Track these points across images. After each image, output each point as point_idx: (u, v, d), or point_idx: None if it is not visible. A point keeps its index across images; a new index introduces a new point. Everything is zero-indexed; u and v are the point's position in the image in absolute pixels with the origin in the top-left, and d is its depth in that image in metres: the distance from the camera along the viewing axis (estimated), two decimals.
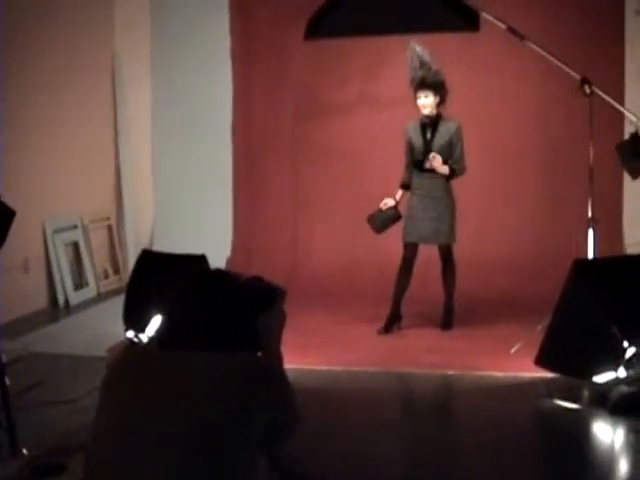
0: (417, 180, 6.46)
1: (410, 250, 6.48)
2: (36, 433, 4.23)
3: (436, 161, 6.30)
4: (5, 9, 6.85)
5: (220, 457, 2.19)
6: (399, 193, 6.54)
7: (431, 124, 6.37)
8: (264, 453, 2.28)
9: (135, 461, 2.19)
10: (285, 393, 2.35)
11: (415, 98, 6.34)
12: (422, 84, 6.26)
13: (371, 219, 6.52)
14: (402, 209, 6.50)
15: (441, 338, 6.37)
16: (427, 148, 6.35)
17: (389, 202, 6.47)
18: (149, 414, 2.22)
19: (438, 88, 6.29)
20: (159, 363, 2.32)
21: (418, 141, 6.40)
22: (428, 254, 6.59)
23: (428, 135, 6.37)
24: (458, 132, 6.38)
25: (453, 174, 6.40)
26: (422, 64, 6.29)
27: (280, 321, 2.55)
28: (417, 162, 6.43)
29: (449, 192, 6.45)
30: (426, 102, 6.30)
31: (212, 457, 2.18)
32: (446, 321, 6.58)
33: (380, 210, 6.48)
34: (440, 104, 6.36)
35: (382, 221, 6.48)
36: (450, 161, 6.36)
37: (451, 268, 6.55)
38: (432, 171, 6.35)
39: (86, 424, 2.41)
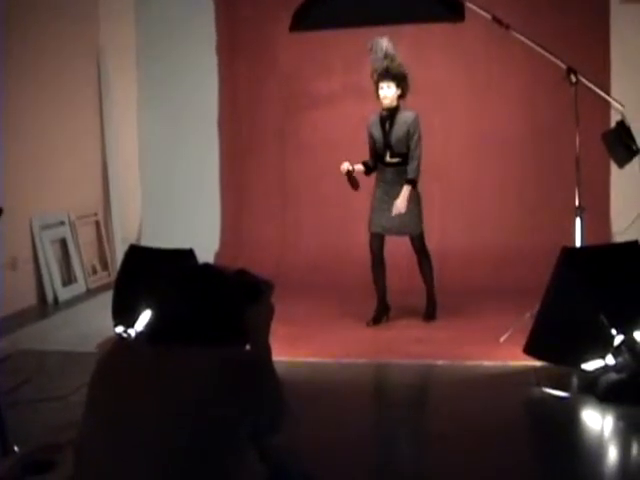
0: (380, 173, 6.47)
1: (376, 241, 6.49)
2: (26, 430, 4.22)
3: (400, 207, 6.31)
4: None
5: (208, 451, 2.19)
6: (358, 166, 6.44)
7: (389, 116, 6.35)
8: (252, 446, 2.28)
9: (124, 456, 2.19)
10: (272, 387, 2.35)
11: (376, 89, 6.31)
12: (385, 73, 6.25)
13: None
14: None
15: (429, 329, 6.38)
16: (386, 141, 6.35)
17: (345, 165, 6.35)
18: (137, 409, 2.22)
19: (400, 80, 6.26)
20: (147, 358, 2.32)
21: (378, 134, 6.39)
22: (410, 246, 6.59)
23: (387, 127, 6.36)
24: (415, 122, 6.32)
25: (415, 183, 6.36)
26: (386, 55, 6.27)
27: (268, 314, 2.55)
28: (379, 156, 6.43)
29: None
30: (387, 93, 6.27)
31: (200, 451, 2.18)
32: (428, 312, 6.59)
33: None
34: (400, 97, 6.33)
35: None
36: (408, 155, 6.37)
37: (426, 259, 6.53)
38: (395, 164, 6.37)
39: (76, 420, 2.40)
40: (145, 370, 2.29)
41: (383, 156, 6.39)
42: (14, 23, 7.22)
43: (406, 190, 6.30)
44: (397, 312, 6.62)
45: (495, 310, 6.65)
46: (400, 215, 6.33)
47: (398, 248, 6.63)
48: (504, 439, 4.25)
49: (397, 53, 6.31)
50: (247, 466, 2.28)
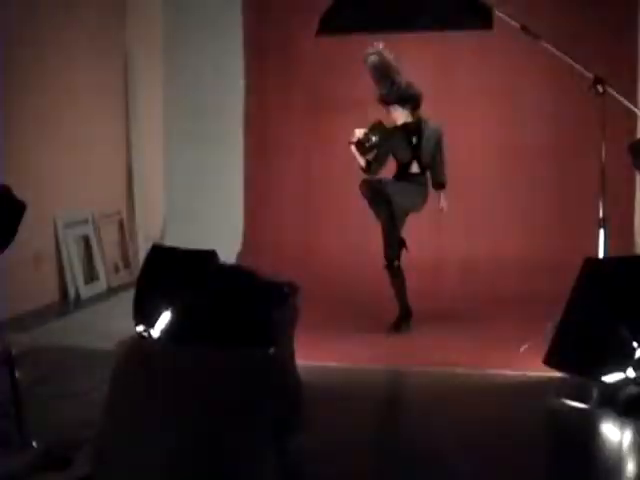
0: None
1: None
2: (44, 426, 4.24)
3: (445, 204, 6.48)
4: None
5: (227, 451, 2.19)
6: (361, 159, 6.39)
7: (415, 129, 6.35)
8: (271, 448, 2.28)
9: (142, 454, 2.19)
10: (294, 390, 2.35)
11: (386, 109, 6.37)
12: (385, 101, 6.29)
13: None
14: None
15: (450, 336, 6.35)
16: (415, 152, 6.34)
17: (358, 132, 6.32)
18: (155, 408, 2.23)
19: (404, 102, 6.29)
20: (168, 358, 2.33)
21: (403, 147, 6.36)
22: (434, 253, 6.57)
23: (414, 140, 6.35)
24: (441, 132, 6.40)
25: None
26: (382, 78, 6.30)
27: (293, 317, 2.55)
28: (403, 167, 6.41)
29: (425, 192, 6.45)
30: (396, 116, 6.34)
31: (219, 450, 2.18)
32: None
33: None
34: (415, 110, 6.35)
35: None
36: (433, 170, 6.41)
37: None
38: (418, 174, 6.37)
39: (94, 418, 2.41)
40: (164, 369, 2.29)
41: (408, 167, 6.37)
42: (39, 23, 7.25)
43: (444, 193, 6.44)
44: (418, 319, 6.59)
45: (516, 320, 6.61)
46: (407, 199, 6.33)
47: (418, 253, 6.61)
48: (521, 449, 4.22)
49: (397, 65, 6.33)
50: (264, 467, 2.28)
